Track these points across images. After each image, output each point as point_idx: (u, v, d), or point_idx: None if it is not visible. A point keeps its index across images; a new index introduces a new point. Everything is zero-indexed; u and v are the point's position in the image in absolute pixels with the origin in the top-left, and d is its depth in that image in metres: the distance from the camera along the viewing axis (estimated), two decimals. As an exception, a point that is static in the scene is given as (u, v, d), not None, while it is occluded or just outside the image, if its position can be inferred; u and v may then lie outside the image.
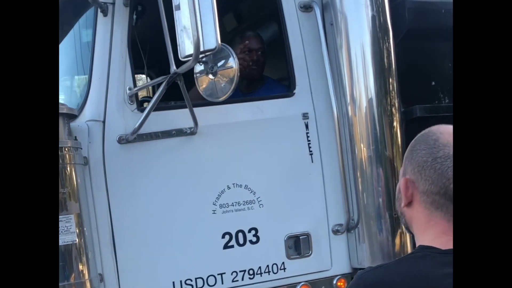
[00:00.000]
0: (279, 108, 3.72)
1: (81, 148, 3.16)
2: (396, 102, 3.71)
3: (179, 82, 3.08)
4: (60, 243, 2.86)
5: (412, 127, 3.84)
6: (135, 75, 3.64)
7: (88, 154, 3.22)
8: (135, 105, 3.37)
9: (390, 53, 3.68)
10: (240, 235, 3.54)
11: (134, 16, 3.57)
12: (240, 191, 3.54)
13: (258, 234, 3.57)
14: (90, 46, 3.42)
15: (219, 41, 2.82)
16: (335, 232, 3.73)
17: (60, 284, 2.82)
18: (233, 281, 3.52)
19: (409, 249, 3.70)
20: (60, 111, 3.00)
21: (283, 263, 3.63)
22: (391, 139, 3.69)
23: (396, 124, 3.70)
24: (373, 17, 3.64)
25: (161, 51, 3.21)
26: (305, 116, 3.71)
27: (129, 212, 3.32)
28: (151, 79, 5.06)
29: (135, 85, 3.43)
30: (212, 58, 2.98)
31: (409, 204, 1.68)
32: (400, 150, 3.70)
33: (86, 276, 2.98)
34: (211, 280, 3.46)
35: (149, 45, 3.81)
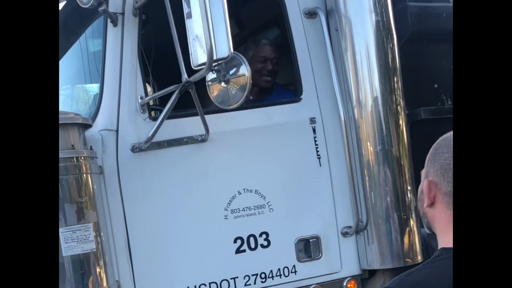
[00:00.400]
0: (287, 113, 3.77)
1: (97, 158, 3.19)
2: (401, 101, 3.75)
3: (190, 90, 3.12)
4: (79, 251, 2.90)
5: (416, 129, 3.91)
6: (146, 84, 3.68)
7: (102, 163, 3.26)
8: (147, 114, 3.41)
9: (394, 55, 3.74)
10: (252, 239, 3.58)
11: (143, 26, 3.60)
12: (250, 196, 3.58)
13: (269, 238, 3.62)
14: (101, 56, 3.45)
15: (232, 50, 2.85)
16: (344, 234, 3.77)
17: (79, 292, 2.87)
18: (245, 285, 3.56)
19: (418, 249, 3.75)
20: (75, 121, 3.04)
21: (294, 266, 3.67)
22: (398, 138, 3.72)
23: (402, 123, 3.74)
24: (377, 21, 3.70)
25: (169, 60, 3.26)
26: (312, 120, 3.75)
27: (143, 219, 3.36)
28: (154, 88, 5.10)
29: (146, 94, 3.47)
30: (224, 66, 3.00)
31: (431, 204, 1.75)
32: (407, 148, 3.75)
33: (105, 284, 3.01)
34: (225, 284, 3.51)
35: (158, 54, 3.85)
